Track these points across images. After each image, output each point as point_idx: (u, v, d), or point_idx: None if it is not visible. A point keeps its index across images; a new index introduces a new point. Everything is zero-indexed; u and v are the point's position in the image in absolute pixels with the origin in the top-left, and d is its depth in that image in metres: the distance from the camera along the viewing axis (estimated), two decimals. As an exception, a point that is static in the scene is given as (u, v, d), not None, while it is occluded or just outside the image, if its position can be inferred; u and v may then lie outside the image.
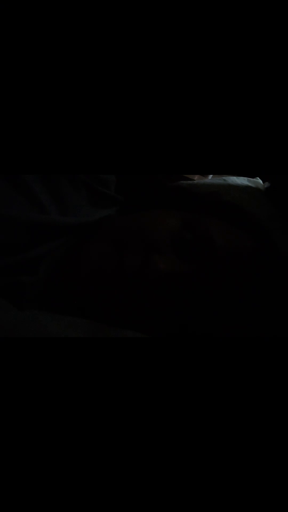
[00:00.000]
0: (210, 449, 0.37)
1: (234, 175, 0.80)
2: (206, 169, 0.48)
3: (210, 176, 1.14)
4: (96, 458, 0.36)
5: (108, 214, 0.64)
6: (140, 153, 0.44)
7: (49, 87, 0.42)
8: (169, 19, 0.42)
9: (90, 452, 0.37)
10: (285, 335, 0.52)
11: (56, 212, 0.58)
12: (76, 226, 0.58)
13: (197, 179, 1.09)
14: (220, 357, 0.41)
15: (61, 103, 0.43)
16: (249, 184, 0.79)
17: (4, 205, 0.53)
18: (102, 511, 0.35)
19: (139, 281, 0.51)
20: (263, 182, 0.82)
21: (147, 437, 0.37)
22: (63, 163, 0.44)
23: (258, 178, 0.83)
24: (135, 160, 0.45)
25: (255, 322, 0.54)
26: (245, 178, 0.81)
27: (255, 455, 0.37)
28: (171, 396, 0.39)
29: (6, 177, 0.55)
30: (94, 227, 0.59)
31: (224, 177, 0.80)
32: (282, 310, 0.55)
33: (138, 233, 0.55)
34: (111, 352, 0.41)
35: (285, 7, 0.41)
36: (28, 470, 0.36)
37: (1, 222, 0.52)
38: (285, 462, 0.37)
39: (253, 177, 0.83)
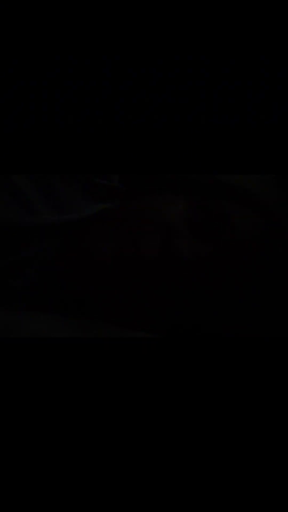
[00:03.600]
0: (210, 449, 0.37)
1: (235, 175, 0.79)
2: (206, 169, 0.48)
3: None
4: (93, 459, 0.37)
5: (108, 207, 0.59)
6: (140, 153, 0.44)
7: (48, 86, 0.42)
8: (170, 16, 0.42)
9: (87, 454, 0.37)
10: None
11: (45, 210, 0.54)
12: (65, 224, 0.55)
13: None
14: (226, 357, 0.41)
15: (61, 103, 0.43)
16: None
17: None
18: (102, 511, 0.35)
19: (159, 268, 0.49)
20: None
21: (147, 438, 0.37)
22: (61, 163, 0.44)
23: None
24: (135, 160, 0.45)
25: (267, 312, 0.53)
26: None
27: (256, 453, 0.37)
28: (172, 397, 0.39)
29: None
30: (92, 222, 0.55)
31: None
32: None
33: (150, 216, 0.52)
34: (109, 352, 0.41)
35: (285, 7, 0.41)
36: (23, 468, 0.36)
37: None
38: (285, 462, 0.37)
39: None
